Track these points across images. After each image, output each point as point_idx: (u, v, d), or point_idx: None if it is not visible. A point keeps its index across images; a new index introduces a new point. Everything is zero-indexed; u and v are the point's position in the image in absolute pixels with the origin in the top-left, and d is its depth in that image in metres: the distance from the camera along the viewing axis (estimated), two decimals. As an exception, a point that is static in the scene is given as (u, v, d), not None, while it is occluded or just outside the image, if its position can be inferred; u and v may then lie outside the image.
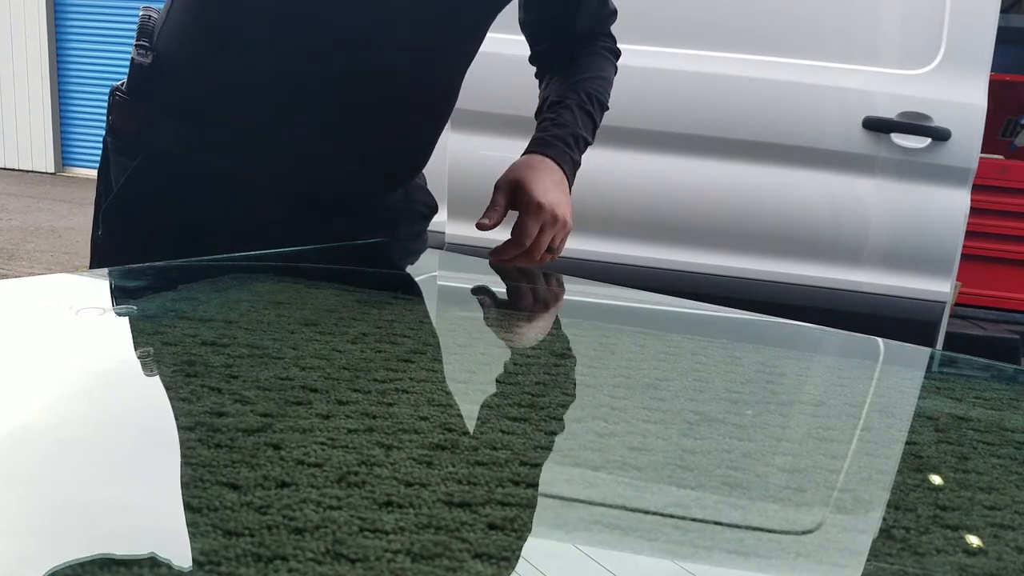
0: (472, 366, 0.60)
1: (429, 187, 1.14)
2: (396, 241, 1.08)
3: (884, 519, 0.39)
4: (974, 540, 0.37)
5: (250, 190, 0.93)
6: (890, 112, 1.96)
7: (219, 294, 0.72)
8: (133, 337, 0.58)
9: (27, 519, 0.32)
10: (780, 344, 0.81)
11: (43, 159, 9.54)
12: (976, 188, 2.03)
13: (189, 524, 0.31)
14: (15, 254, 5.15)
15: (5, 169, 9.52)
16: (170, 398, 0.46)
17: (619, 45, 1.23)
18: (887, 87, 1.97)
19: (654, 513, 0.38)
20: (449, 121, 1.07)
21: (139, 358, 0.54)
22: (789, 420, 0.54)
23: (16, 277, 0.71)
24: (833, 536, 0.37)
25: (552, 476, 0.41)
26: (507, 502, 0.35)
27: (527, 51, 1.20)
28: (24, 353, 0.52)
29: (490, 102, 1.93)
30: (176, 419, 0.42)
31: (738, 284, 2.04)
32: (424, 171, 1.11)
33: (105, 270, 0.82)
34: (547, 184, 1.03)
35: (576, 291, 0.99)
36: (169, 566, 0.28)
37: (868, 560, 0.35)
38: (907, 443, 0.51)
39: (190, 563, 0.28)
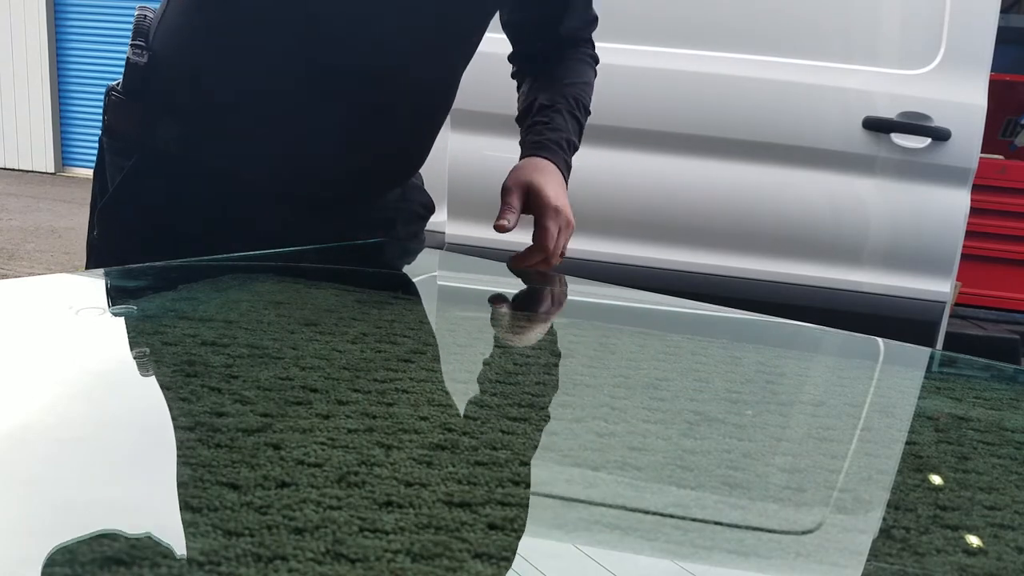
0: (472, 366, 0.60)
1: (428, 187, 1.14)
2: (395, 241, 1.08)
3: (884, 519, 0.39)
4: (974, 540, 0.37)
5: (245, 190, 0.93)
6: (890, 112, 1.96)
7: (219, 294, 0.72)
8: (133, 337, 0.58)
9: (27, 519, 0.32)
10: (780, 344, 0.81)
11: (43, 159, 9.54)
12: (976, 188, 2.03)
13: (189, 524, 0.31)
14: (15, 254, 5.15)
15: (5, 169, 9.52)
16: (170, 398, 0.46)
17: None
18: (887, 87, 1.97)
19: (654, 513, 0.38)
20: (449, 121, 1.07)
21: (139, 358, 0.54)
22: (789, 420, 0.54)
23: (16, 277, 0.71)
24: (833, 536, 0.37)
25: (552, 476, 0.41)
26: (507, 502, 0.35)
27: None
28: (24, 353, 0.52)
29: (490, 102, 1.93)
30: (176, 419, 0.42)
31: (738, 284, 2.04)
32: (421, 171, 1.11)
33: (105, 270, 0.82)
34: (556, 187, 1.05)
35: (576, 291, 0.99)
36: (169, 566, 0.28)
37: (868, 560, 0.35)
38: (907, 443, 0.51)
39: (190, 563, 0.28)
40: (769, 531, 0.37)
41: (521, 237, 1.05)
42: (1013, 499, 0.41)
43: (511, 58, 1.21)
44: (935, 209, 1.98)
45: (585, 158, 1.12)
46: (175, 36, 0.94)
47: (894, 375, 0.74)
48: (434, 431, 0.42)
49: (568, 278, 1.00)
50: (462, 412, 0.48)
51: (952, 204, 1.98)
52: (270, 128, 0.93)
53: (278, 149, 0.94)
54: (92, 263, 0.99)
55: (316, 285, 0.80)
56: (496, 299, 0.91)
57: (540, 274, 1.03)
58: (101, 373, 0.51)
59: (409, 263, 1.06)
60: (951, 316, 2.30)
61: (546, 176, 1.05)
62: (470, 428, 0.44)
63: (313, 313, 0.67)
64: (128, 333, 0.59)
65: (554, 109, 1.11)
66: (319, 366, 0.52)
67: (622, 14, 2.00)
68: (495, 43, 1.18)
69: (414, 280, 0.97)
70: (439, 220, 2.04)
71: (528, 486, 0.38)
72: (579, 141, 1.14)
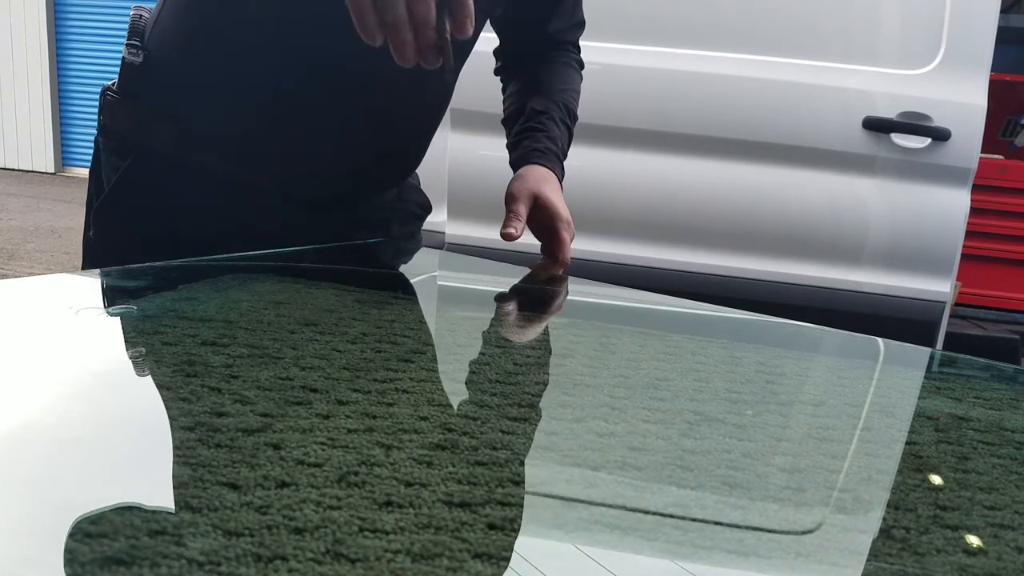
0: (472, 366, 0.60)
1: (427, 187, 1.15)
2: (394, 241, 1.08)
3: (884, 519, 0.39)
4: (974, 540, 0.37)
5: (242, 190, 0.93)
6: (890, 112, 1.96)
7: (219, 294, 0.72)
8: (133, 337, 0.58)
9: (27, 519, 0.32)
10: (780, 344, 0.81)
11: (43, 159, 9.55)
12: (976, 188, 2.03)
13: (189, 524, 0.31)
14: (15, 254, 5.15)
15: (5, 169, 9.52)
16: (170, 398, 0.46)
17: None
18: (887, 87, 1.97)
19: (654, 513, 0.37)
20: (449, 121, 1.07)
21: (139, 358, 0.54)
22: (789, 420, 0.54)
23: (16, 277, 0.71)
24: (833, 536, 0.37)
25: (552, 476, 0.41)
26: (507, 502, 0.35)
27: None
28: (24, 353, 0.52)
29: (490, 102, 1.93)
30: (176, 419, 0.42)
31: (738, 284, 2.04)
32: (419, 170, 1.11)
33: (105, 270, 0.82)
34: (560, 196, 1.08)
35: (576, 291, 0.99)
36: (169, 566, 0.28)
37: (868, 560, 0.35)
38: (907, 443, 0.51)
39: (190, 563, 0.28)
40: (769, 531, 0.37)
41: (521, 237, 1.05)
42: (1013, 499, 0.41)
43: (496, 53, 1.21)
44: (935, 209, 1.98)
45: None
46: (171, 36, 0.93)
47: (894, 375, 0.74)
48: (434, 431, 0.42)
49: (568, 278, 1.00)
50: (462, 412, 0.48)
51: (952, 204, 1.98)
52: (264, 128, 0.93)
53: (273, 149, 0.94)
54: (88, 263, 0.99)
55: (316, 285, 0.80)
56: (496, 299, 0.91)
57: (543, 274, 1.03)
58: (101, 373, 0.51)
59: (409, 263, 1.06)
60: (951, 316, 2.30)
61: (551, 185, 1.08)
62: (470, 428, 0.44)
63: (313, 313, 0.67)
64: (128, 333, 0.59)
65: (548, 116, 1.13)
66: (319, 366, 0.52)
67: (622, 14, 2.00)
68: (494, 43, 1.18)
69: (414, 280, 0.97)
70: (439, 220, 2.04)
71: (528, 486, 0.38)
72: (569, 148, 1.17)
